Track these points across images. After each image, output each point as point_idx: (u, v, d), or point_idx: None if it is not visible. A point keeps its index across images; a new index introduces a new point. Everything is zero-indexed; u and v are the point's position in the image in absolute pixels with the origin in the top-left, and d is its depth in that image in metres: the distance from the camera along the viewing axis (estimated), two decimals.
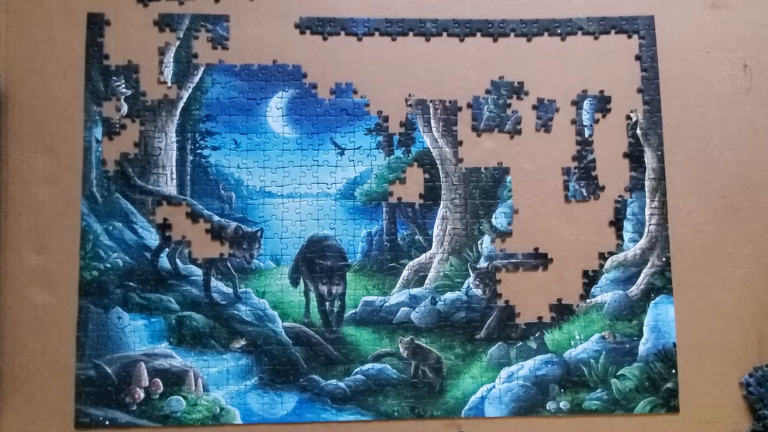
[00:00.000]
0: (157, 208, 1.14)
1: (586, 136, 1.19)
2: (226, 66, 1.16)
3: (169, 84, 1.16)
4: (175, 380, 1.11)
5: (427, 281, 1.15)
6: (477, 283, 1.16)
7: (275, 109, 1.17)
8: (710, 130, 1.19)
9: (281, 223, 1.15)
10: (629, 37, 1.20)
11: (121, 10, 1.16)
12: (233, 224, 1.14)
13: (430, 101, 1.18)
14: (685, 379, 1.14)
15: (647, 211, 1.18)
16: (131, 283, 1.12)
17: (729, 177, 1.18)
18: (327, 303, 1.14)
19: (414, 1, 1.19)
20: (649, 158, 1.18)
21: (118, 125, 1.15)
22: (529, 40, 1.19)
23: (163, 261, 1.13)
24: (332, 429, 1.12)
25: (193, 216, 1.14)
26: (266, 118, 1.17)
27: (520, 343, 1.15)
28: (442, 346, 1.14)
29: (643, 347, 1.15)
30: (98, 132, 1.14)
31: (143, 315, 1.12)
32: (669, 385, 1.14)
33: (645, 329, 1.15)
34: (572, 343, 1.15)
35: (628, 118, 1.19)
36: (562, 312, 1.16)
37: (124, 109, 1.15)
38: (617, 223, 1.17)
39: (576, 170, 1.18)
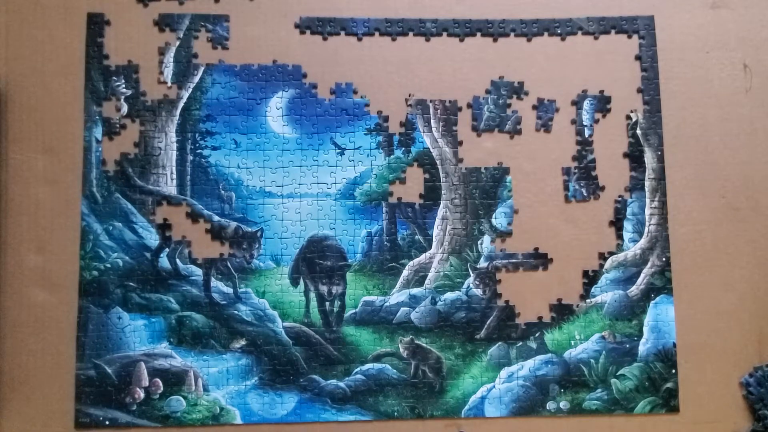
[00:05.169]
0: (157, 208, 1.14)
1: (586, 136, 1.19)
2: (226, 66, 1.16)
3: (169, 84, 1.16)
4: (175, 380, 1.11)
5: (427, 281, 1.15)
6: (477, 283, 1.16)
7: (275, 109, 1.17)
8: (710, 130, 1.19)
9: (281, 223, 1.15)
10: (629, 37, 1.20)
11: (121, 10, 1.16)
12: (233, 224, 1.14)
13: (430, 101, 1.18)
14: (685, 379, 1.14)
15: (647, 211, 1.18)
16: (131, 283, 1.12)
17: (729, 177, 1.18)
18: (327, 303, 1.14)
19: (414, 1, 1.19)
20: (649, 158, 1.18)
21: (118, 125, 1.15)
22: (529, 40, 1.19)
23: (163, 261, 1.13)
24: (332, 429, 1.12)
25: (193, 216, 1.14)
26: (266, 118, 1.17)
27: (520, 343, 1.15)
28: (442, 346, 1.14)
29: (643, 347, 1.15)
30: (98, 132, 1.14)
31: (143, 315, 1.12)
32: (669, 385, 1.14)
33: (645, 329, 1.15)
34: (572, 343, 1.15)
35: (628, 118, 1.19)
36: (562, 312, 1.16)
37: (124, 109, 1.15)
38: (617, 223, 1.17)
39: (576, 170, 1.18)
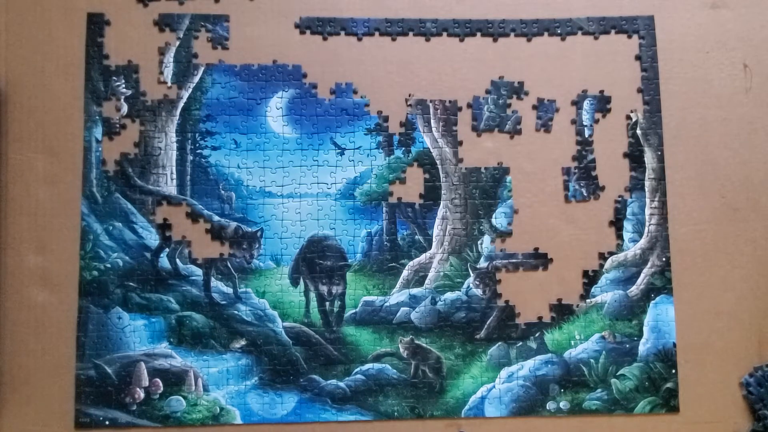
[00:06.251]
0: (157, 208, 1.14)
1: (586, 136, 1.19)
2: (226, 66, 1.16)
3: (169, 84, 1.16)
4: (175, 380, 1.11)
5: (427, 281, 1.15)
6: (477, 283, 1.16)
7: (275, 109, 1.17)
8: (710, 130, 1.19)
9: (281, 223, 1.15)
10: (629, 37, 1.20)
11: (121, 10, 1.16)
12: (233, 224, 1.14)
13: (430, 101, 1.18)
14: (685, 379, 1.14)
15: (647, 211, 1.18)
16: (131, 283, 1.12)
17: (729, 177, 1.18)
18: (327, 303, 1.14)
19: (414, 1, 1.19)
20: (649, 158, 1.18)
21: (118, 125, 1.15)
22: (529, 40, 1.20)
23: (163, 261, 1.13)
24: (332, 429, 1.12)
25: (193, 216, 1.14)
26: (266, 118, 1.17)
27: (520, 343, 1.15)
28: (442, 346, 1.14)
29: (643, 347, 1.15)
30: (98, 132, 1.14)
31: (143, 315, 1.12)
32: (669, 385, 1.14)
33: (645, 329, 1.15)
34: (572, 343, 1.15)
35: (628, 118, 1.19)
36: (562, 312, 1.16)
37: (124, 109, 1.15)
38: (617, 223, 1.17)
39: (576, 170, 1.18)
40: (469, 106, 1.18)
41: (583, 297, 1.16)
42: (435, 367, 1.14)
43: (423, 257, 1.16)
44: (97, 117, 1.14)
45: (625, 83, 1.19)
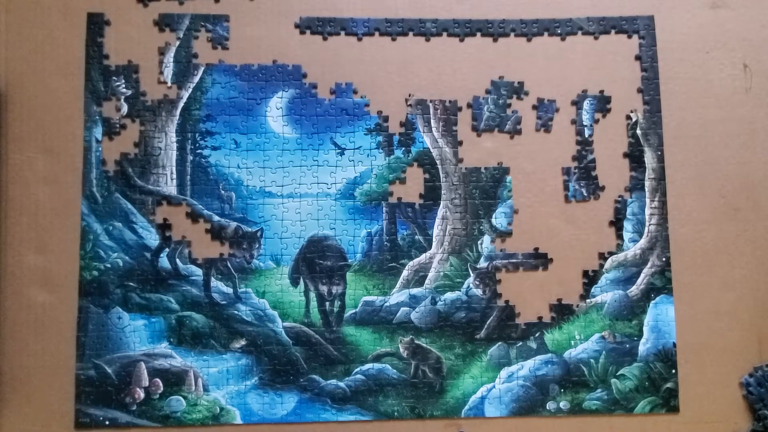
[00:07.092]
0: (157, 208, 1.14)
1: (586, 136, 1.19)
2: (226, 66, 1.16)
3: (169, 84, 1.16)
4: (175, 380, 1.11)
5: (427, 281, 1.15)
6: (477, 283, 1.16)
7: (275, 109, 1.17)
8: (710, 130, 1.19)
9: (281, 223, 1.15)
10: (629, 37, 1.20)
11: (121, 10, 1.16)
12: (233, 224, 1.14)
13: (430, 101, 1.18)
14: (685, 379, 1.14)
15: (647, 211, 1.18)
16: (131, 283, 1.12)
17: (729, 177, 1.18)
18: (327, 303, 1.14)
19: (414, 1, 1.19)
20: (649, 158, 1.18)
21: (118, 125, 1.15)
22: (529, 40, 1.20)
23: (163, 261, 1.13)
24: (332, 429, 1.12)
25: (193, 216, 1.14)
26: (266, 118, 1.17)
27: (520, 343, 1.15)
28: (442, 346, 1.14)
29: (643, 347, 1.15)
30: (98, 132, 1.14)
31: (143, 315, 1.12)
32: (669, 385, 1.14)
33: (645, 329, 1.15)
34: (572, 343, 1.15)
35: (628, 118, 1.19)
36: (562, 312, 1.16)
37: (124, 109, 1.15)
38: (617, 223, 1.17)
39: (576, 170, 1.18)
40: (469, 106, 1.18)
41: (583, 297, 1.16)
42: (435, 367, 1.14)
43: (423, 257, 1.16)
44: (97, 117, 1.14)
45: (625, 83, 1.19)
